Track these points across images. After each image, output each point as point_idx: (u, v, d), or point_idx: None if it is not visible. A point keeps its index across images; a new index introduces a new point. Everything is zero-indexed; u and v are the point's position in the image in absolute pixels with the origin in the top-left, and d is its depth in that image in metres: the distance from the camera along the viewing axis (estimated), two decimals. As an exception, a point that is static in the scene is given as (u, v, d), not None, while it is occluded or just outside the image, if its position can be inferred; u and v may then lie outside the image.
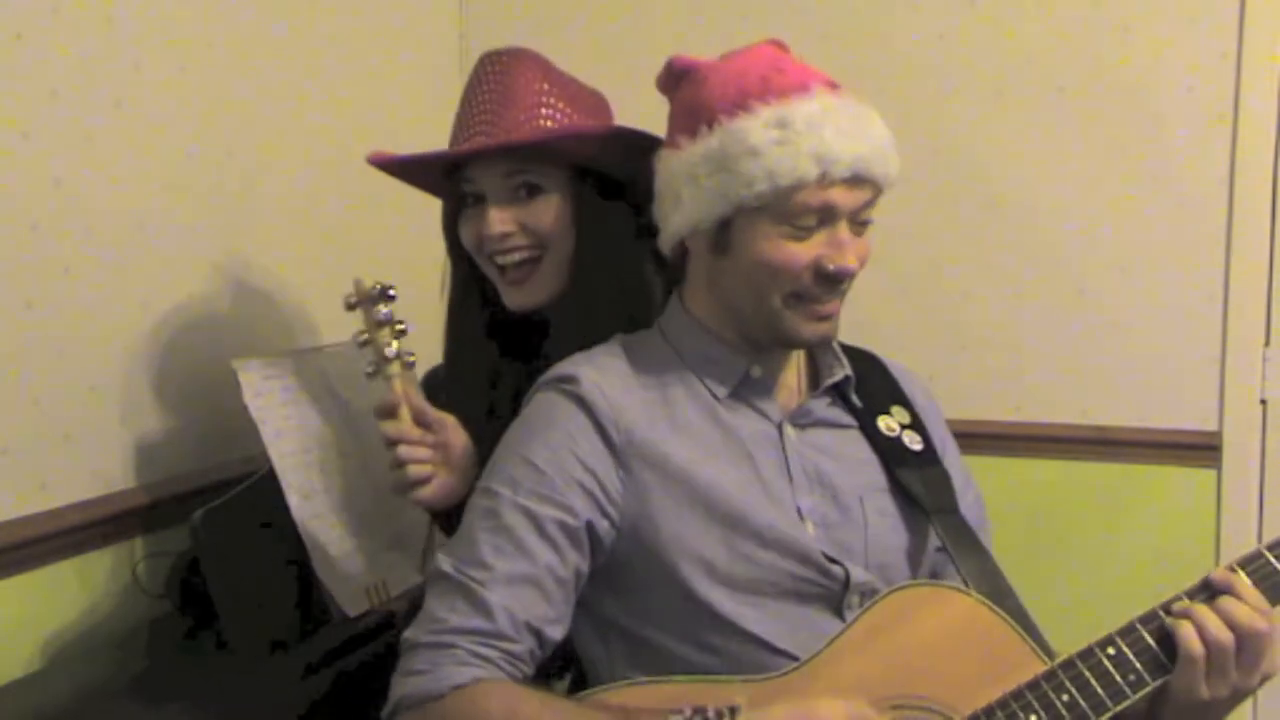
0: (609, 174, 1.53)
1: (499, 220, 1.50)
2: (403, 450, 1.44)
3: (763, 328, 1.32)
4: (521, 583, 1.22)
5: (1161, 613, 1.21)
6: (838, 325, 1.35)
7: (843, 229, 1.27)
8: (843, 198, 1.26)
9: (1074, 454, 2.42)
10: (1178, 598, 1.22)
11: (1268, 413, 2.34)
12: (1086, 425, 2.41)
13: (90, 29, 1.71)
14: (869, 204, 1.29)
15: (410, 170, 1.61)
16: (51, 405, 1.67)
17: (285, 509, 1.67)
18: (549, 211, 1.51)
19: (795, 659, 1.24)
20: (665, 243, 1.38)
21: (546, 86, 1.54)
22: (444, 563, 1.26)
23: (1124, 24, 2.35)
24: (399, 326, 1.49)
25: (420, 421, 1.46)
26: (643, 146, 1.45)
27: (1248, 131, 2.29)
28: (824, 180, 1.24)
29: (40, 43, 1.63)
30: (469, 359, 1.62)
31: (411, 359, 1.48)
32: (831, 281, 1.28)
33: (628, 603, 1.30)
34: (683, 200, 1.30)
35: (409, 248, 2.45)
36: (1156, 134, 2.34)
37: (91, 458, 1.73)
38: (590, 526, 1.27)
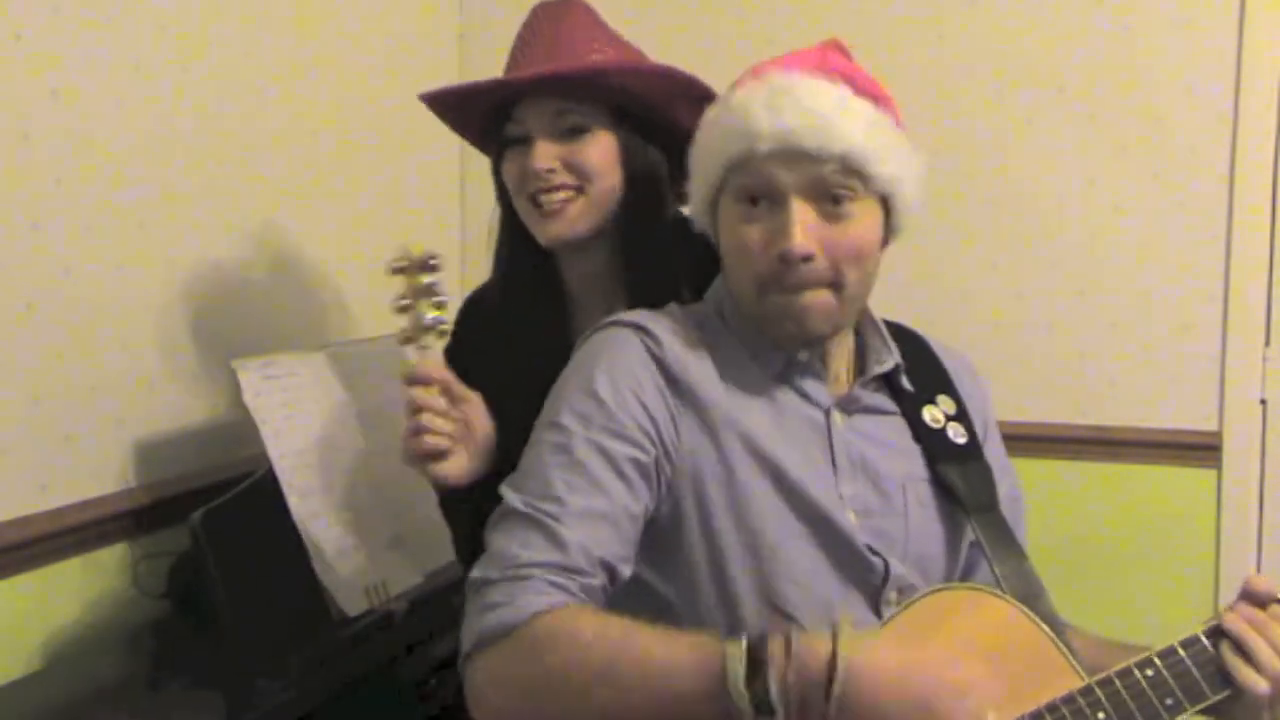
0: (653, 120, 1.54)
1: (544, 156, 1.50)
2: (425, 418, 1.41)
3: (754, 318, 1.31)
4: (596, 518, 1.20)
5: (1202, 637, 1.19)
6: (831, 319, 1.29)
7: (795, 209, 1.23)
8: (783, 175, 1.23)
9: (1074, 454, 2.42)
10: (1215, 621, 1.20)
11: (1268, 413, 2.34)
12: (1086, 425, 2.42)
13: (90, 29, 1.71)
14: (832, 182, 1.24)
15: (458, 110, 1.60)
16: (51, 405, 1.67)
17: (285, 509, 1.67)
18: (594, 150, 1.51)
19: None
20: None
21: (598, 33, 1.56)
22: (513, 499, 1.22)
23: (1124, 24, 2.35)
24: (439, 298, 1.48)
25: (447, 395, 1.44)
26: (693, 94, 1.47)
27: (1248, 131, 2.29)
28: (754, 156, 1.24)
29: (40, 43, 1.63)
30: (522, 295, 1.61)
31: (446, 330, 1.47)
32: (786, 263, 1.24)
33: (664, 567, 1.27)
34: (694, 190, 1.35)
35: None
36: (1156, 134, 2.34)
37: (91, 458, 1.73)
38: (657, 465, 1.25)
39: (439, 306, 1.47)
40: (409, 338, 1.47)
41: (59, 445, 1.68)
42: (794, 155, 1.23)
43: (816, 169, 1.23)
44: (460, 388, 1.45)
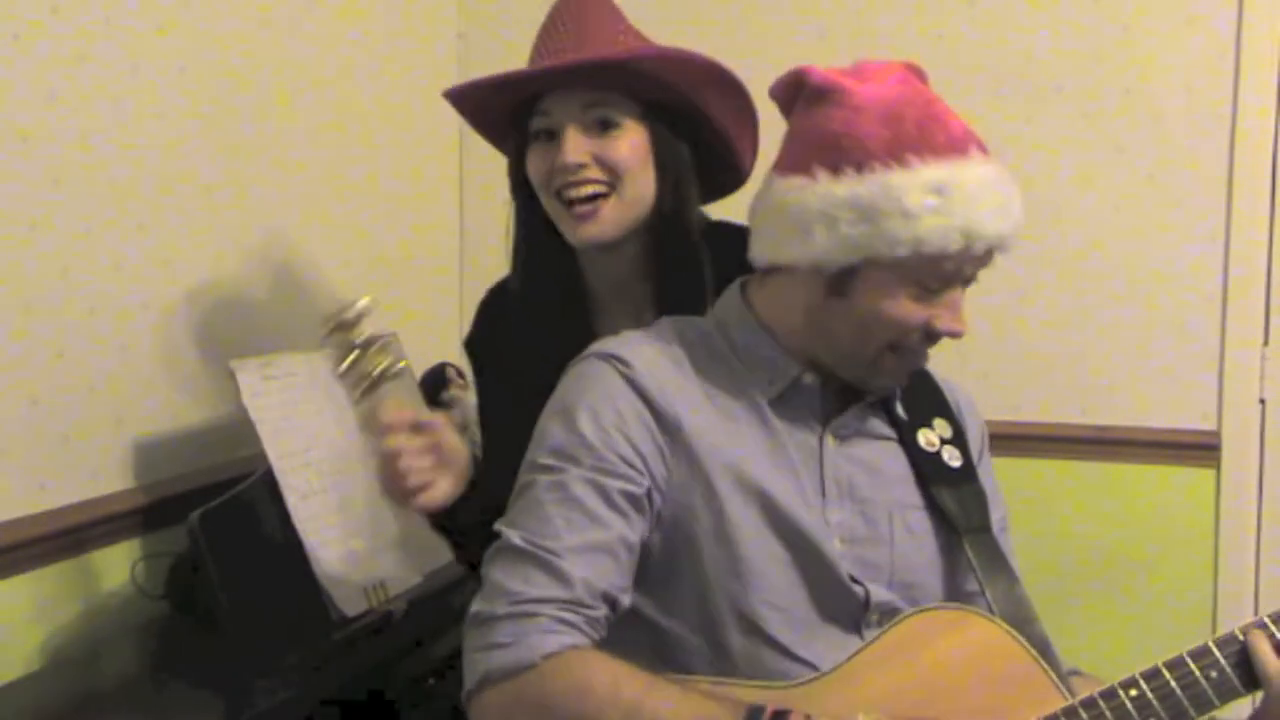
0: (680, 111, 1.51)
1: (574, 149, 1.46)
2: (404, 463, 1.39)
3: (848, 366, 1.31)
4: (596, 551, 1.21)
5: (1187, 658, 1.18)
6: None
7: (959, 291, 1.27)
8: (973, 267, 1.26)
9: (1074, 454, 2.43)
10: (1203, 646, 1.19)
11: (1267, 412, 2.34)
12: (1086, 425, 2.42)
13: (90, 29, 1.71)
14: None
15: (481, 104, 1.56)
16: (50, 405, 1.67)
17: (284, 509, 1.67)
18: (623, 145, 1.48)
19: (812, 666, 1.24)
20: (760, 258, 1.33)
21: (622, 26, 1.54)
22: (511, 535, 1.23)
23: (1124, 24, 2.35)
24: (381, 341, 1.43)
25: (415, 430, 1.42)
26: (722, 81, 1.47)
27: (1246, 131, 2.29)
28: (965, 252, 1.23)
29: (40, 43, 1.63)
30: (543, 292, 1.58)
31: (402, 366, 1.43)
32: (935, 340, 1.29)
33: (653, 593, 1.28)
34: (813, 237, 1.24)
35: (407, 248, 2.46)
36: (1156, 134, 2.34)
37: (90, 458, 1.73)
38: (649, 495, 1.26)
39: (384, 349, 1.43)
40: (366, 392, 1.43)
41: (57, 445, 1.68)
42: (993, 253, 1.26)
43: (989, 260, 1.28)
44: (425, 415, 1.43)
